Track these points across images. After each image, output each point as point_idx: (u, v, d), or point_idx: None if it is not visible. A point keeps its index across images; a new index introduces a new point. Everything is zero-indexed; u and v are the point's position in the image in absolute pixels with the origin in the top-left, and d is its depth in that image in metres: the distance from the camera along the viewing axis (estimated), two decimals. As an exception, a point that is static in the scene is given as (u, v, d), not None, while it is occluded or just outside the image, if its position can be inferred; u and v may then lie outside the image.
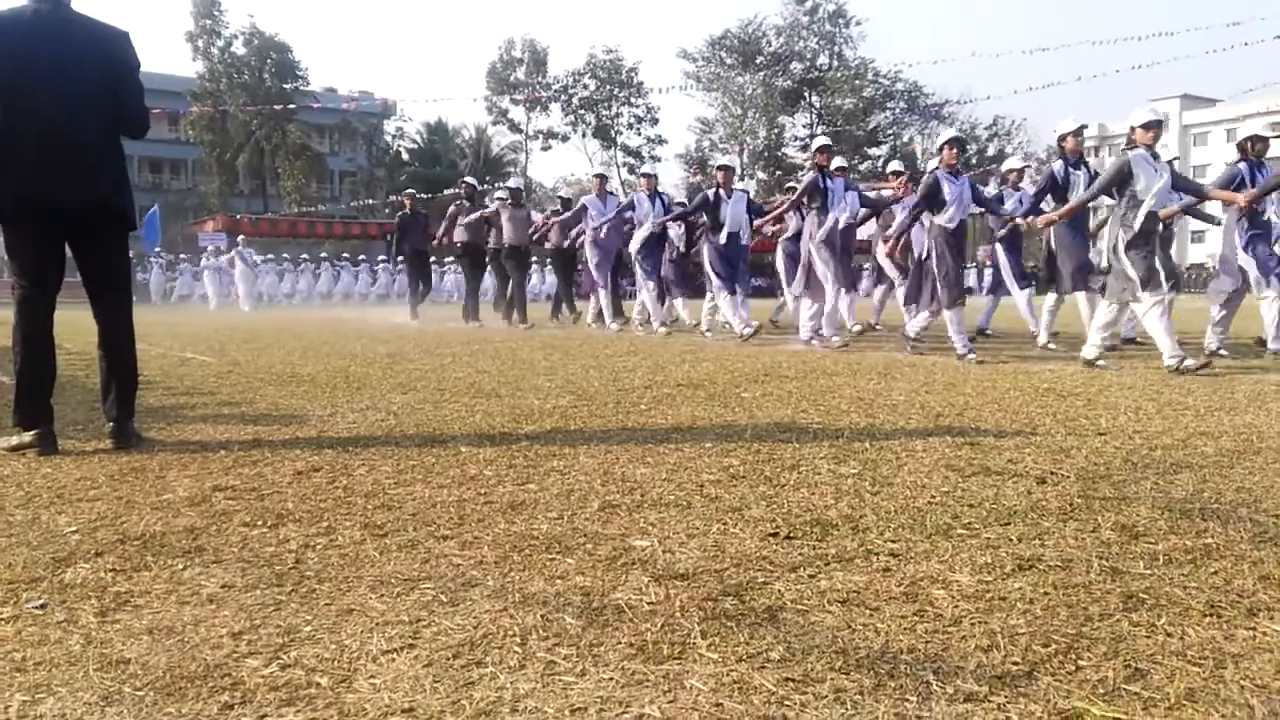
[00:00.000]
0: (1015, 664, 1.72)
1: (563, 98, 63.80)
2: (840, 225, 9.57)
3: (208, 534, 2.67)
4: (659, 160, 64.35)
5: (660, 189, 12.77)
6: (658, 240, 12.30)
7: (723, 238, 10.36)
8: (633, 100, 64.78)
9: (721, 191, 10.40)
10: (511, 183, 14.89)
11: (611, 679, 1.69)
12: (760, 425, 4.38)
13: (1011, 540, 2.50)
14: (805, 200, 9.74)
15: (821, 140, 10.25)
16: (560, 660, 1.77)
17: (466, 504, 2.97)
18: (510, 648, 1.83)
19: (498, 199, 14.10)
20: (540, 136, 65.23)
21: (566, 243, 14.44)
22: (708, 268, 10.62)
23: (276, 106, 51.53)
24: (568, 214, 13.93)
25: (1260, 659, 1.73)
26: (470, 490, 3.16)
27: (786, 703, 1.59)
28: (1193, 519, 2.67)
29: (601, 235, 12.86)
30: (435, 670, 1.74)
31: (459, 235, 14.62)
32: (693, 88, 63.30)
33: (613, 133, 65.68)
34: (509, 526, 2.71)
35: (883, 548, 2.45)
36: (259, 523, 2.78)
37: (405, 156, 67.59)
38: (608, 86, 64.24)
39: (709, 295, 11.19)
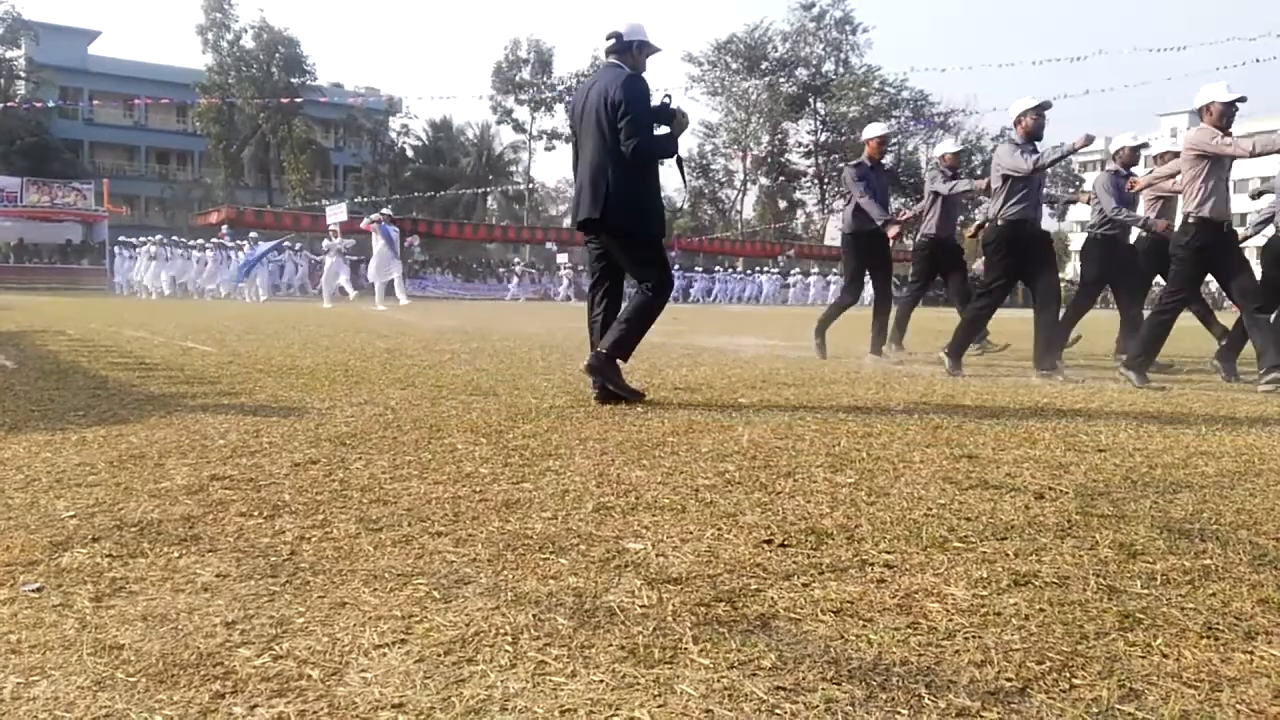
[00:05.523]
0: (1009, 680, 1.71)
1: (567, 98, 63.80)
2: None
3: (204, 523, 2.67)
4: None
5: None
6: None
7: None
8: (636, 103, 64.76)
9: None
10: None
11: (602, 681, 1.68)
12: (757, 431, 4.38)
13: (1008, 555, 2.49)
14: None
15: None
16: (551, 660, 1.76)
17: (461, 501, 2.97)
18: (501, 646, 1.82)
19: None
20: (544, 137, 65.25)
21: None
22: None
23: (283, 100, 51.58)
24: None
25: (1257, 683, 1.73)
26: (465, 487, 3.16)
27: (777, 711, 1.58)
28: (1192, 539, 2.66)
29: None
30: (426, 666, 1.73)
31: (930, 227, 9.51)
32: (697, 91, 63.42)
33: (616, 135, 65.59)
34: (503, 525, 2.71)
35: (878, 558, 2.44)
36: (255, 513, 2.78)
37: (409, 154, 67.61)
38: (611, 88, 64.17)
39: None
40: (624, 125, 5.06)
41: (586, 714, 1.56)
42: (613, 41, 5.37)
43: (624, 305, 5.40)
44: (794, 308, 40.42)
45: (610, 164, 5.14)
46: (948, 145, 10.59)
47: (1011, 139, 7.69)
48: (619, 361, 5.30)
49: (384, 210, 22.85)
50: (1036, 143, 7.60)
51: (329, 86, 60.55)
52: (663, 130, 5.34)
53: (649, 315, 5.33)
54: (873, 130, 9.42)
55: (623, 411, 4.96)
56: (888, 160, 9.13)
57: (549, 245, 50.10)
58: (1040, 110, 7.54)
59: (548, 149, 66.02)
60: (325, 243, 25.61)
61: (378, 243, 21.31)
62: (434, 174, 62.85)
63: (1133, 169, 8.87)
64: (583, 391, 5.74)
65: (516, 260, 51.30)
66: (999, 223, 7.55)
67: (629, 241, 5.30)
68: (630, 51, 5.37)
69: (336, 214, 24.15)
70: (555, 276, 46.91)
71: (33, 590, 2.10)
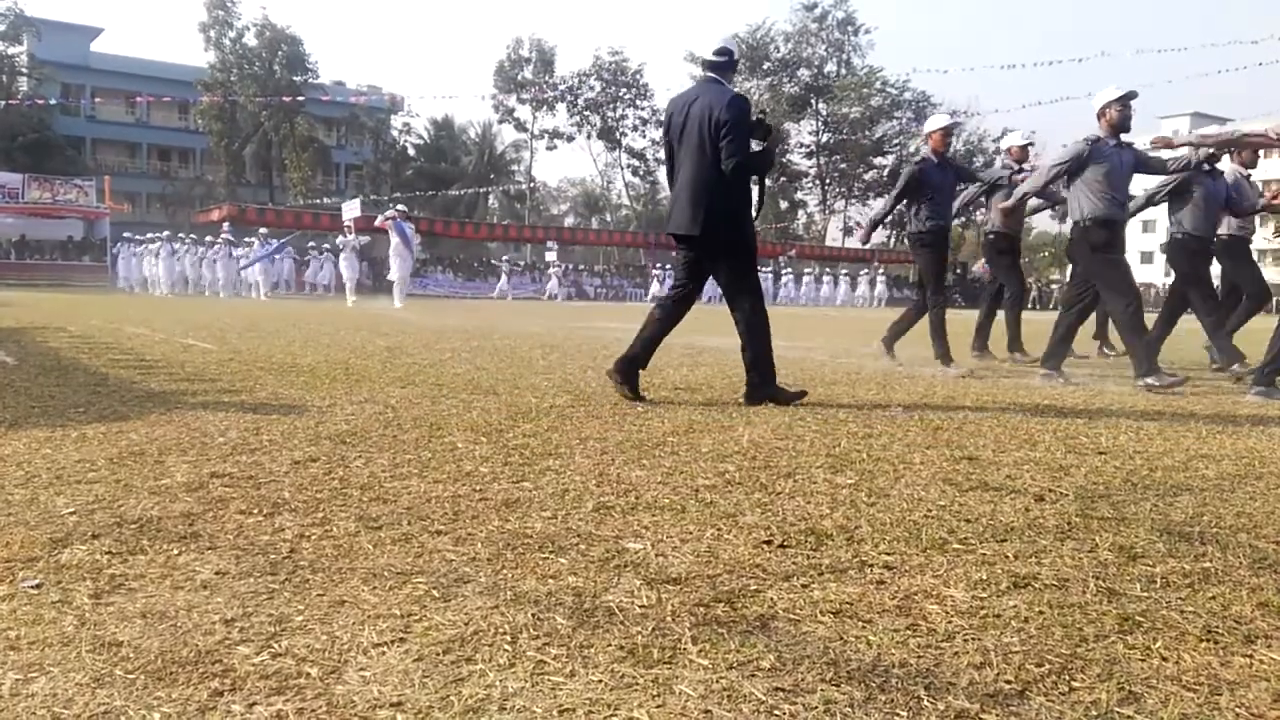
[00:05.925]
0: (1008, 682, 1.71)
1: (568, 98, 63.78)
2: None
3: (204, 520, 2.66)
4: (662, 163, 64.48)
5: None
6: None
7: None
8: (638, 102, 64.84)
9: None
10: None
11: (601, 681, 1.68)
12: (757, 431, 4.37)
13: (1007, 557, 2.49)
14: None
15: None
16: (550, 660, 1.76)
17: (461, 500, 2.97)
18: (500, 645, 1.82)
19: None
20: (546, 136, 65.23)
21: None
22: None
23: (285, 98, 51.56)
24: None
25: (1256, 687, 1.73)
26: (465, 486, 3.15)
27: (776, 712, 1.58)
28: (1192, 542, 2.66)
29: None
30: (425, 665, 1.73)
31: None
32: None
33: (617, 134, 65.68)
34: (503, 524, 2.70)
35: (877, 560, 2.44)
36: (255, 511, 2.78)
37: (411, 152, 67.61)
38: (613, 88, 64.20)
39: None
40: (725, 144, 5.20)
41: (585, 714, 1.56)
42: (724, 59, 5.46)
43: (742, 340, 5.47)
44: (788, 307, 40.37)
45: (711, 180, 5.28)
46: (1015, 138, 9.96)
47: (1090, 136, 6.89)
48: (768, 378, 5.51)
49: (398, 207, 22.85)
50: (1122, 135, 6.90)
51: (331, 85, 60.60)
52: (757, 146, 5.43)
53: (764, 327, 5.46)
54: (935, 122, 8.43)
55: (623, 411, 4.96)
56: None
57: (549, 244, 50.09)
58: (1125, 101, 6.79)
59: (549, 148, 66.18)
60: (339, 239, 25.94)
61: (394, 240, 21.42)
62: (435, 173, 62.90)
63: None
64: (583, 391, 5.75)
65: (505, 258, 51.15)
66: (1085, 224, 6.86)
67: (729, 251, 5.45)
68: (733, 69, 5.55)
69: (351, 210, 24.36)
70: (544, 275, 46.82)
71: (32, 587, 2.10)
